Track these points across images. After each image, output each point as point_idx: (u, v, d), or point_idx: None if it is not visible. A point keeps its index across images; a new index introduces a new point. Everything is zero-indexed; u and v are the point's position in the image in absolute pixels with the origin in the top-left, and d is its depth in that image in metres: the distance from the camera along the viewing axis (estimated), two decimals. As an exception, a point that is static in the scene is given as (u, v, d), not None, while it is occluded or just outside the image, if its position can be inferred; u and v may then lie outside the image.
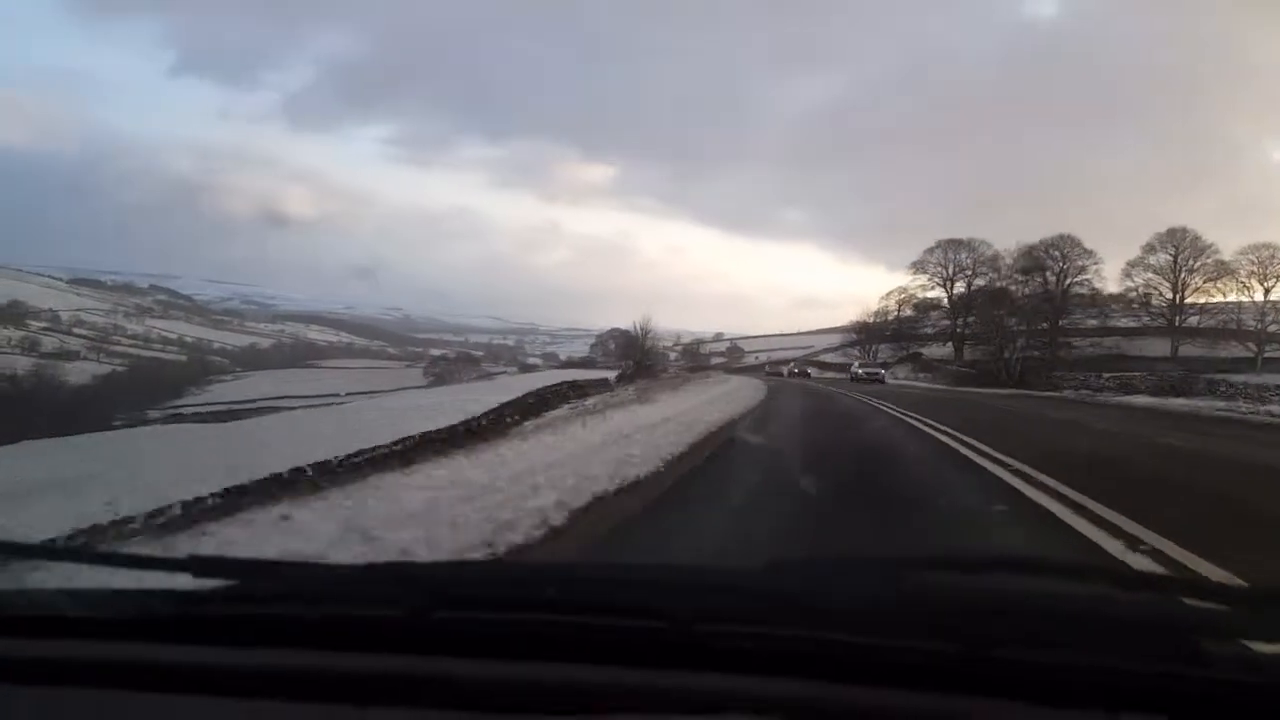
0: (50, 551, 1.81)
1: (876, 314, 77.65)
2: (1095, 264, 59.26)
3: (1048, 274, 58.90)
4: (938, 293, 73.91)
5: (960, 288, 71.63)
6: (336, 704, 0.92)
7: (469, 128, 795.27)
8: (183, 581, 1.15)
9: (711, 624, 0.98)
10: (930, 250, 72.43)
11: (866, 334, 75.46)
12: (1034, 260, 59.65)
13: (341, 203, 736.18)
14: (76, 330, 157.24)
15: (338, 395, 56.84)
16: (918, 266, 73.76)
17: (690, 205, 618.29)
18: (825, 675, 0.91)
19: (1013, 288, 60.87)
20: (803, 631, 0.97)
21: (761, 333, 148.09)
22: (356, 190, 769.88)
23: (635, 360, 46.27)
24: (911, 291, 75.33)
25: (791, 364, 70.50)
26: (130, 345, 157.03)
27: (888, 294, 77.35)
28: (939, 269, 72.50)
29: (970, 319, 62.52)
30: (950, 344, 66.85)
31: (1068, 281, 58.43)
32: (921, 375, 57.73)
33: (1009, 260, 63.70)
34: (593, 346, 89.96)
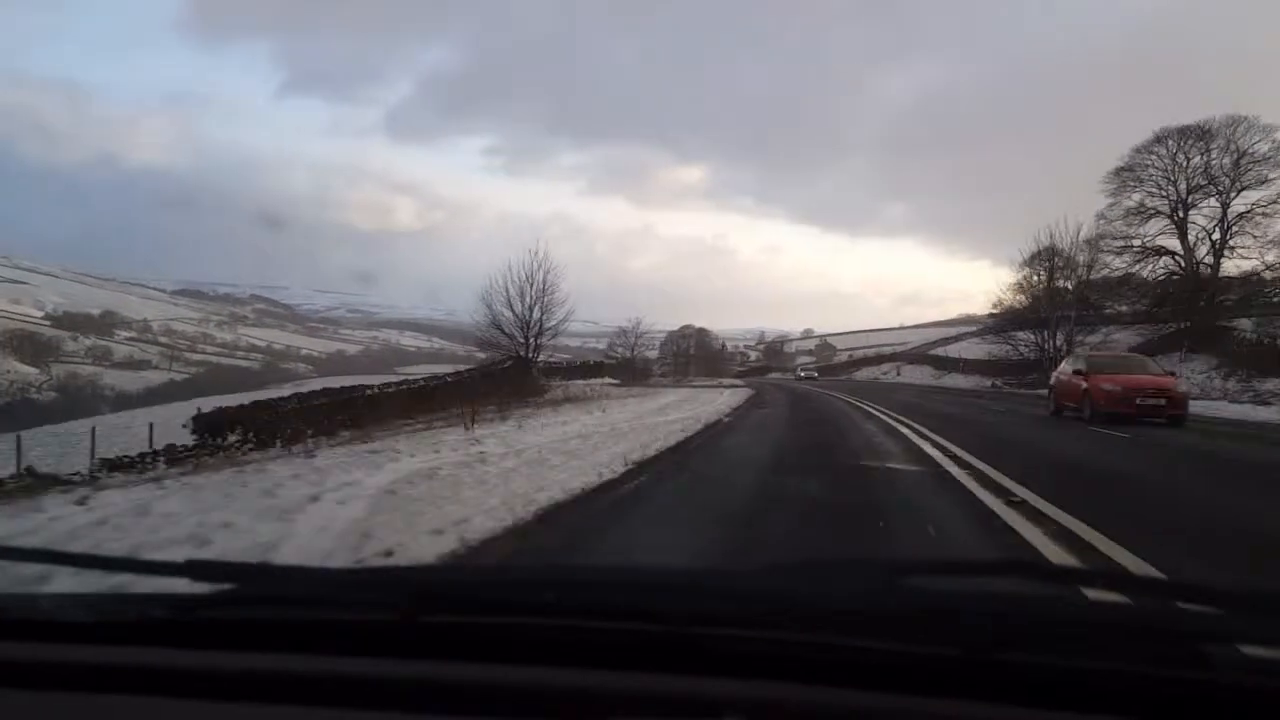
0: (47, 555, 1.75)
1: (1029, 285, 42.03)
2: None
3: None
4: (1157, 229, 39.65)
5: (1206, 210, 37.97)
6: (331, 708, 0.92)
7: (564, 135, 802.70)
8: (179, 585, 1.16)
9: (708, 627, 0.98)
10: (1151, 146, 39.14)
11: (1012, 317, 41.72)
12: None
13: (444, 212, 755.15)
14: (163, 338, 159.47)
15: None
16: (1125, 178, 39.61)
17: (786, 203, 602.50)
18: (823, 679, 0.91)
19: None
20: (800, 635, 0.97)
21: (859, 328, 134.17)
22: (458, 200, 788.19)
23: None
24: (1112, 225, 40.09)
25: (804, 364, 65.46)
26: (214, 353, 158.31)
27: (1028, 262, 41.54)
28: (1164, 180, 38.82)
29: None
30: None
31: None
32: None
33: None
34: (662, 345, 79.68)
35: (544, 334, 34.56)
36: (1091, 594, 1.45)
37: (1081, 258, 39.87)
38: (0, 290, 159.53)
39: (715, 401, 20.74)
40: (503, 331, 34.19)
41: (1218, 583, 1.06)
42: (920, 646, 0.92)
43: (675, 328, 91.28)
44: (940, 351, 67.08)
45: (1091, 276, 39.92)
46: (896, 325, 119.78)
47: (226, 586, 1.18)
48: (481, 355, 42.40)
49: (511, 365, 32.26)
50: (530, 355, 34.47)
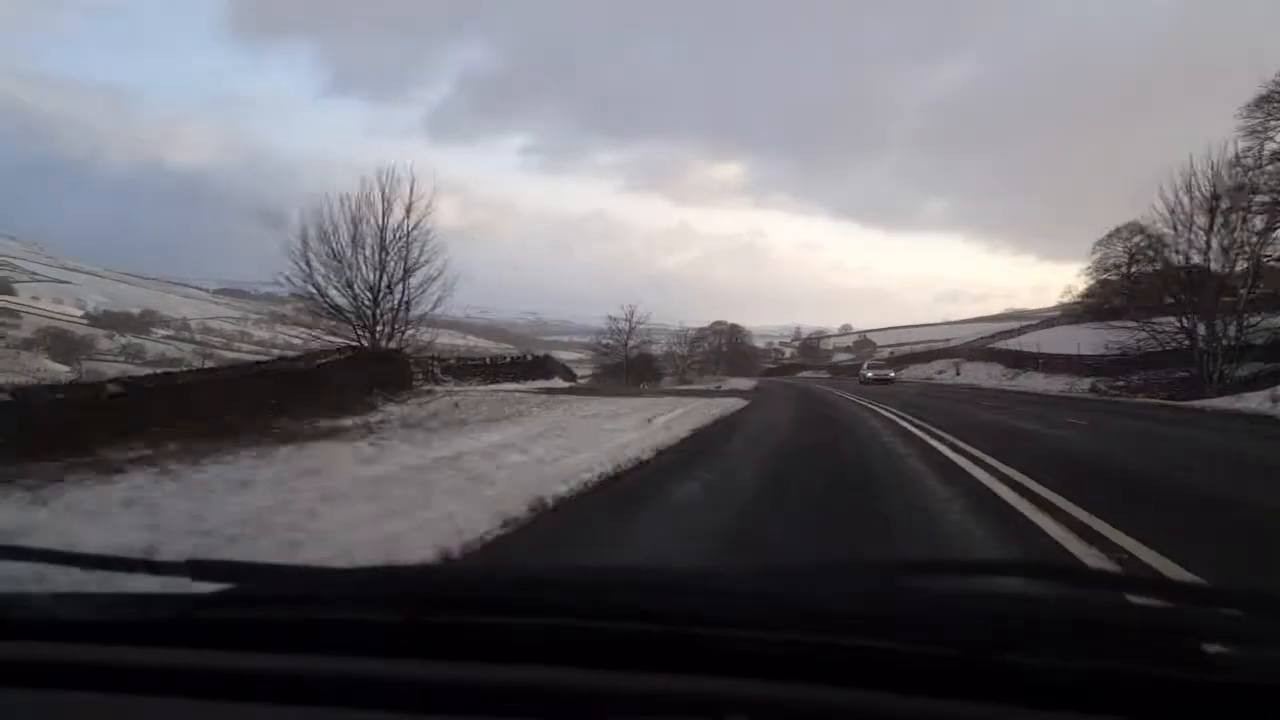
0: (47, 555, 1.75)
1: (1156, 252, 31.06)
2: None
3: None
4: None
5: None
6: (333, 708, 0.93)
7: (601, 133, 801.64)
8: (180, 585, 1.17)
9: (708, 627, 0.98)
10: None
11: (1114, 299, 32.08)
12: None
13: (483, 211, 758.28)
14: (200, 336, 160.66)
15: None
16: (1272, 109, 28.77)
17: (825, 199, 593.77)
18: (824, 679, 0.91)
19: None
20: (801, 635, 0.97)
21: (899, 324, 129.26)
22: (497, 199, 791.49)
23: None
24: (1261, 174, 28.04)
25: (874, 362, 46.30)
26: (250, 350, 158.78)
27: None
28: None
29: None
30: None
31: None
32: None
33: None
34: (693, 343, 76.69)
35: (407, 312, 22.56)
36: (1092, 594, 1.41)
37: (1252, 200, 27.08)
38: (44, 289, 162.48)
39: (612, 441, 10.17)
40: (335, 310, 22.49)
41: (1219, 583, 0.98)
42: (921, 646, 0.92)
43: (708, 324, 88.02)
44: (1011, 345, 54.25)
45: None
46: (940, 321, 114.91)
47: (227, 586, 1.19)
48: (516, 353, 40.12)
49: (354, 356, 19.17)
50: (386, 342, 22.37)
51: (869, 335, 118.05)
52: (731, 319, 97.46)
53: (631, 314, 50.77)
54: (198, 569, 1.20)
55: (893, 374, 45.83)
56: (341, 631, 1.04)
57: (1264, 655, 0.92)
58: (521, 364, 32.89)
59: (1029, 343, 48.86)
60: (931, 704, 0.87)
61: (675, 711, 0.88)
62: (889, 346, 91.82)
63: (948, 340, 70.08)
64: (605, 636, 0.99)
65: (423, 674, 0.95)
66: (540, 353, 42.77)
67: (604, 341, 53.13)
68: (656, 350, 59.24)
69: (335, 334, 22.97)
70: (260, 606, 1.14)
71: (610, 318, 51.56)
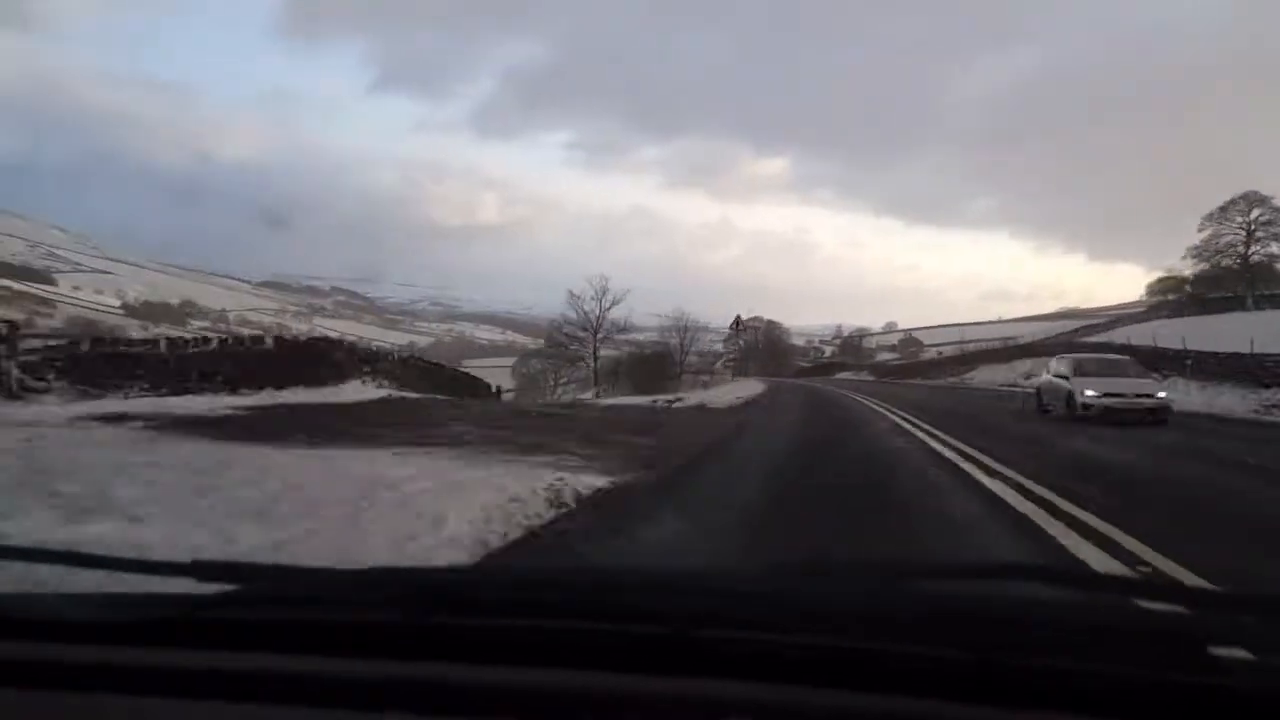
0: (51, 555, 1.74)
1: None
2: None
3: None
4: None
5: None
6: (335, 709, 0.93)
7: (644, 129, 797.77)
8: (184, 585, 1.17)
9: (711, 628, 0.98)
10: None
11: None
12: None
13: (526, 207, 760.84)
14: (236, 328, 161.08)
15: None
16: None
17: (870, 196, 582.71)
18: (826, 681, 0.91)
19: None
20: (805, 637, 0.97)
21: (945, 322, 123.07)
22: (540, 194, 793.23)
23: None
24: None
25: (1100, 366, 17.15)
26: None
27: None
28: None
29: None
30: None
31: None
32: None
33: None
34: (726, 341, 72.54)
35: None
36: (1100, 598, 1.44)
37: None
38: (87, 280, 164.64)
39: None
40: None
41: (1227, 587, 1.02)
42: (924, 649, 0.92)
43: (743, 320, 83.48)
44: (1120, 336, 39.12)
45: None
46: (993, 319, 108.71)
47: (230, 587, 1.19)
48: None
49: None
50: None
51: (915, 334, 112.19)
52: (772, 317, 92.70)
53: (603, 292, 33.58)
54: (200, 569, 1.21)
55: (1164, 395, 16.10)
56: (345, 632, 1.05)
57: (1271, 661, 0.92)
58: (267, 357, 17.37)
59: (1141, 333, 37.82)
60: (936, 707, 0.87)
61: (679, 713, 0.88)
62: (936, 346, 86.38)
63: (1011, 338, 62.91)
64: (606, 638, 0.99)
65: (424, 675, 0.96)
66: (321, 334, 27.77)
67: (564, 330, 36.50)
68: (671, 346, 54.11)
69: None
70: (263, 607, 1.14)
71: (572, 294, 34.43)
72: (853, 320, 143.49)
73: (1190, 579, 4.11)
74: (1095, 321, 60.06)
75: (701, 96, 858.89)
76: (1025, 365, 40.73)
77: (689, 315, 37.93)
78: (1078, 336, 53.02)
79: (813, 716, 0.88)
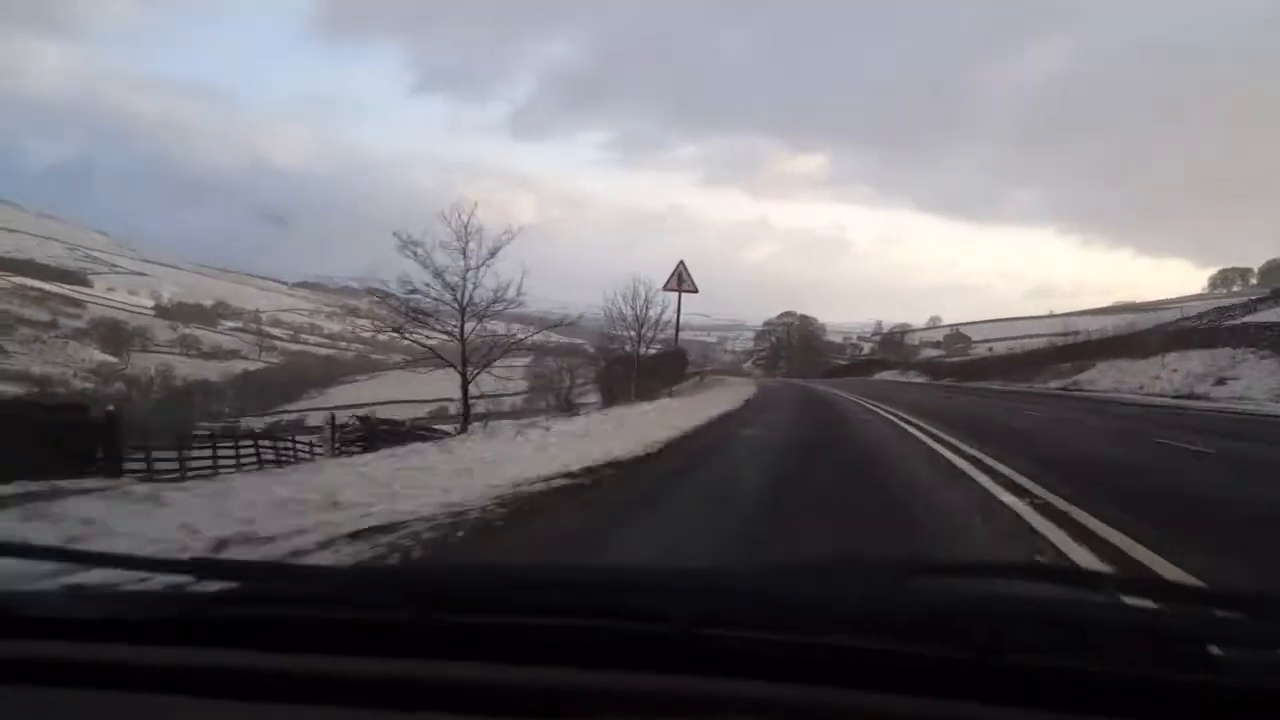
0: (52, 552, 1.77)
1: None
2: None
3: None
4: None
5: None
6: (338, 707, 0.94)
7: (679, 127, 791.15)
8: (185, 583, 1.18)
9: (712, 627, 0.99)
10: None
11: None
12: None
13: (561, 207, 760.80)
14: (269, 329, 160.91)
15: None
16: None
17: (908, 192, 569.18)
18: (829, 680, 0.92)
19: None
20: (804, 635, 0.97)
21: (992, 317, 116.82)
22: (575, 194, 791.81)
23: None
24: None
25: None
26: (316, 343, 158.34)
27: None
28: None
29: None
30: None
31: None
32: None
33: None
34: (757, 338, 68.18)
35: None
36: (1094, 596, 1.45)
37: None
38: (122, 281, 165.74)
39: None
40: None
41: (1223, 586, 1.07)
42: (924, 648, 0.92)
43: (775, 316, 78.80)
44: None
45: None
46: (1046, 314, 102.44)
47: (233, 585, 1.19)
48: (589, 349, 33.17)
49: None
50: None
51: (962, 329, 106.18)
52: (809, 314, 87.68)
53: (646, 298, 30.50)
54: (200, 567, 1.19)
55: None
56: (348, 631, 1.05)
57: (1269, 659, 0.92)
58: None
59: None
60: (935, 705, 0.87)
61: (680, 712, 0.88)
62: (986, 342, 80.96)
63: (1073, 333, 55.72)
64: (607, 636, 0.99)
65: (427, 673, 0.96)
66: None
67: (612, 332, 34.44)
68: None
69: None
70: (265, 605, 1.14)
71: (608, 301, 32.36)
72: (892, 317, 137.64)
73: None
74: (1162, 313, 54.35)
75: (738, 93, 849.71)
76: (1189, 362, 26.64)
77: (647, 287, 28.91)
78: (1216, 323, 37.00)
79: (813, 716, 0.88)
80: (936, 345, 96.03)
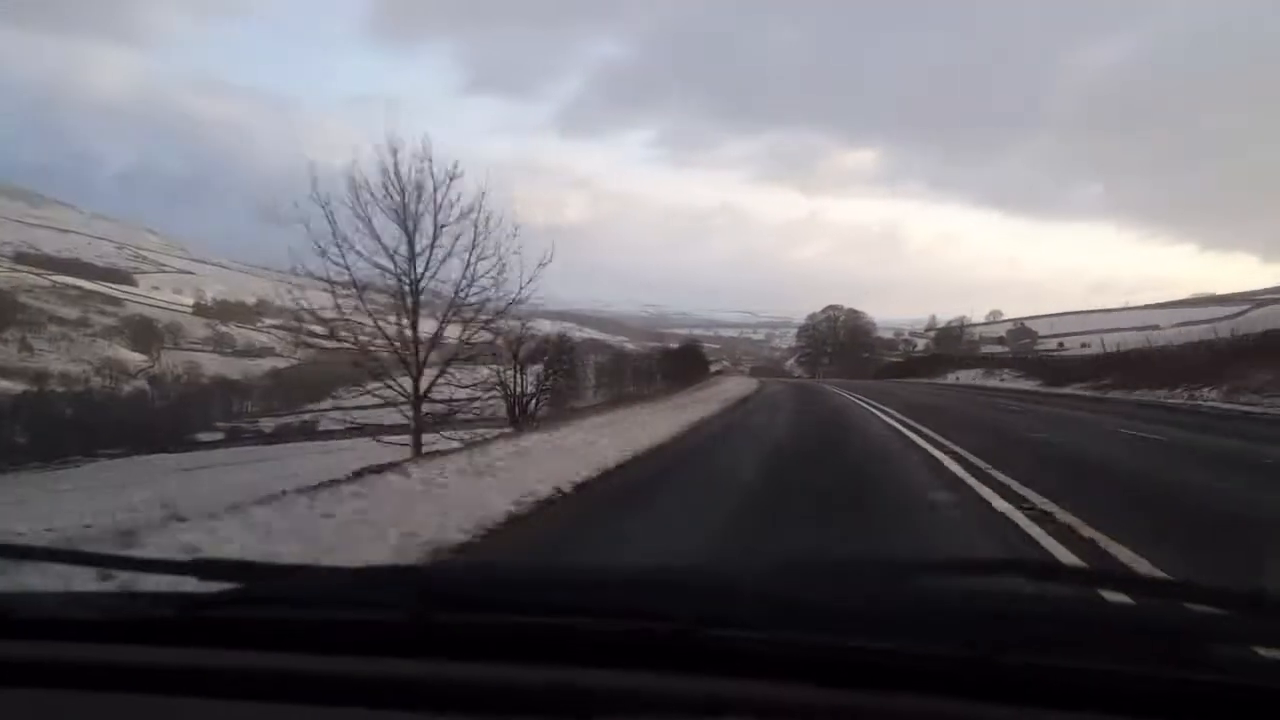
0: (54, 554, 1.78)
1: None
2: None
3: None
4: None
5: None
6: (339, 707, 0.94)
7: (730, 123, 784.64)
8: (186, 584, 1.18)
9: (717, 627, 0.99)
10: None
11: None
12: None
13: (610, 205, 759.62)
14: (310, 325, 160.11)
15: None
16: None
17: (964, 188, 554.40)
18: (832, 679, 0.92)
19: None
20: (809, 635, 0.98)
21: (1055, 311, 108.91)
22: (623, 193, 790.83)
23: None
24: None
25: None
26: (347, 341, 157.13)
27: None
28: None
29: None
30: None
31: None
32: None
33: None
34: (799, 334, 62.95)
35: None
36: (1094, 594, 1.43)
37: None
38: (168, 280, 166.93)
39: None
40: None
41: (1224, 584, 1.06)
42: (924, 646, 0.93)
43: (819, 310, 72.66)
44: None
45: None
46: (1118, 307, 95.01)
47: (233, 585, 1.19)
48: (631, 347, 27.98)
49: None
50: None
51: (1026, 323, 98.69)
52: (861, 310, 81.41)
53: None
54: (201, 568, 1.21)
55: None
56: (348, 631, 1.05)
57: (1266, 657, 0.92)
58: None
59: None
60: (935, 704, 0.87)
61: (684, 711, 0.88)
62: (1054, 336, 74.52)
63: (1150, 326, 49.13)
64: (609, 636, 1.00)
65: (427, 673, 0.96)
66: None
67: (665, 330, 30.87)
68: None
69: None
70: (265, 606, 1.14)
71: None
72: (945, 313, 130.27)
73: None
74: (1241, 307, 47.94)
75: (789, 90, 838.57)
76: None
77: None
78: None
79: (813, 715, 0.88)
80: (999, 340, 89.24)
